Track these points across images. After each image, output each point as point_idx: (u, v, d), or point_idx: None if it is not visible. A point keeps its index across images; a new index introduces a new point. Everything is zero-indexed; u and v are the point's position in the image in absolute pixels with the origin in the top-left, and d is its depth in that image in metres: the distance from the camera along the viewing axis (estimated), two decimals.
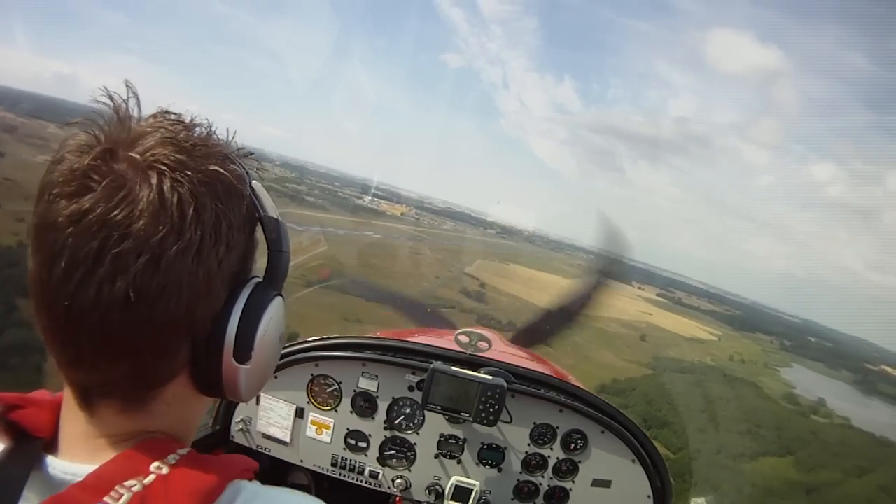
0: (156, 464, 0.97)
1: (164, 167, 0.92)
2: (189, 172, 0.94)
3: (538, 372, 2.93)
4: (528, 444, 2.85)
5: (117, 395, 0.99)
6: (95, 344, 0.92)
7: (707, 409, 44.63)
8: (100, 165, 0.91)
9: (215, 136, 1.06)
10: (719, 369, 59.67)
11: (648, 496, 2.88)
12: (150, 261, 0.89)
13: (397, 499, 2.95)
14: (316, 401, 2.84)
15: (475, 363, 2.80)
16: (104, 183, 0.89)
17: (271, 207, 1.12)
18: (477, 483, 2.78)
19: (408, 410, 2.84)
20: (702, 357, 62.48)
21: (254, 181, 1.09)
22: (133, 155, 0.92)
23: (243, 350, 1.05)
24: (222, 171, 0.99)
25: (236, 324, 1.03)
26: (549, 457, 2.86)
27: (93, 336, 0.92)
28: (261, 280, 1.11)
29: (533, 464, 2.87)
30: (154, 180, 0.91)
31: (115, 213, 0.88)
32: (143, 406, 1.01)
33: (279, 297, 1.13)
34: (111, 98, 1.00)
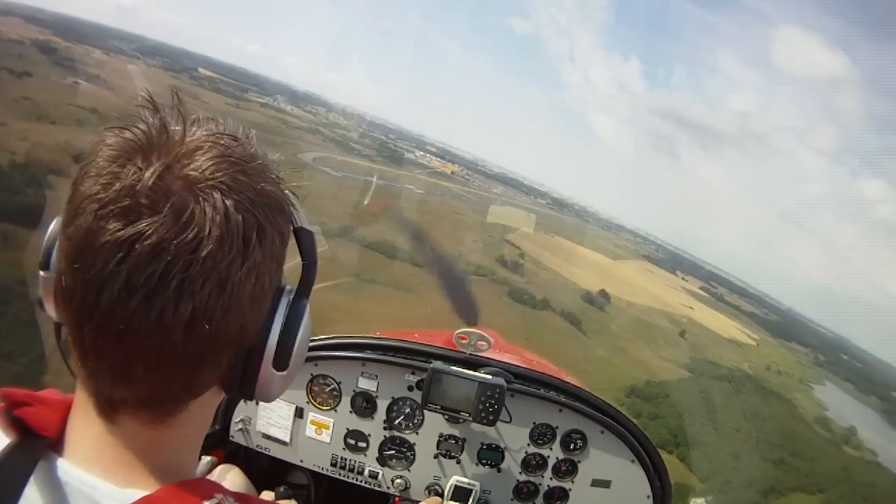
0: None
1: (224, 187, 0.92)
2: (249, 193, 0.94)
3: (538, 372, 2.92)
4: (528, 444, 2.85)
5: (152, 408, 1.00)
6: (150, 365, 0.92)
7: (741, 429, 43.42)
8: (157, 184, 0.88)
9: (257, 147, 1.06)
10: (756, 380, 58.59)
11: (648, 496, 2.87)
12: (216, 285, 0.90)
13: (396, 499, 2.96)
14: (315, 401, 2.84)
15: (475, 363, 2.80)
16: (168, 204, 0.87)
17: (304, 218, 1.14)
18: (476, 483, 2.80)
19: (407, 410, 2.83)
20: (739, 363, 61.52)
21: (286, 191, 1.08)
22: (192, 174, 0.91)
23: (282, 359, 1.09)
24: (275, 190, 1.01)
25: (277, 334, 1.07)
26: (548, 457, 2.86)
27: (148, 357, 0.91)
28: (292, 288, 1.14)
29: (532, 464, 2.87)
30: (217, 202, 0.90)
31: (181, 237, 0.87)
32: (170, 417, 1.01)
33: (308, 305, 1.15)
34: (152, 103, 0.99)
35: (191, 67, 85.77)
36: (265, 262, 0.96)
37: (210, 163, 0.92)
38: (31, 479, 0.92)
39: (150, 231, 0.85)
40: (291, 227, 1.08)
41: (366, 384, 2.79)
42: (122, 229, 0.85)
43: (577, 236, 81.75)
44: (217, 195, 0.90)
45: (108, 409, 0.97)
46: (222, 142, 0.96)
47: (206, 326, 0.90)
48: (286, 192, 1.05)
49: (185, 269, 0.86)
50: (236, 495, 1.04)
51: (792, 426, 49.67)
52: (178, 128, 0.95)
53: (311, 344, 2.67)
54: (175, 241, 0.86)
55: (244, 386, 1.06)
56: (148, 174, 0.87)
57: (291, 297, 1.09)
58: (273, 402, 2.73)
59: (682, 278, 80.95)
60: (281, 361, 1.07)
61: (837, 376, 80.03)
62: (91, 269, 0.87)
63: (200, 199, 0.89)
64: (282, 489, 2.74)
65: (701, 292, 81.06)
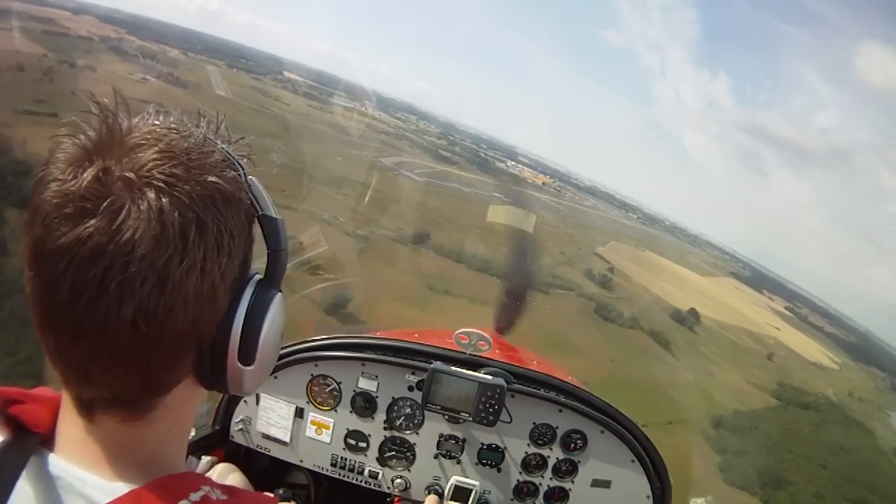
0: None
1: (161, 184, 0.92)
2: (187, 187, 0.94)
3: (538, 372, 2.95)
4: (528, 445, 2.89)
5: (121, 407, 1.02)
6: (104, 366, 0.94)
7: (827, 464, 42.88)
8: (95, 187, 0.90)
9: (210, 137, 1.06)
10: (840, 408, 56.51)
11: (648, 496, 2.90)
12: (155, 284, 0.90)
13: (396, 499, 2.99)
14: (315, 401, 2.89)
15: (475, 363, 2.84)
16: (102, 207, 0.89)
17: (269, 205, 1.13)
18: (476, 483, 2.85)
19: (407, 410, 2.88)
20: (824, 388, 59.30)
21: (251, 178, 1.10)
22: (128, 175, 0.91)
23: (247, 353, 1.09)
24: (220, 181, 0.99)
25: (240, 328, 1.06)
26: (548, 457, 2.90)
27: (101, 358, 0.94)
28: (261, 278, 1.14)
29: (532, 464, 2.91)
30: (152, 200, 0.90)
31: (116, 238, 0.88)
32: (144, 414, 1.04)
33: (279, 295, 1.15)
34: (98, 104, 0.99)
35: (276, 70, 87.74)
36: (210, 257, 0.96)
37: (149, 159, 0.93)
38: (24, 472, 0.96)
39: (87, 235, 0.87)
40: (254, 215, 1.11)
41: (366, 384, 2.85)
42: (64, 236, 0.88)
43: (667, 252, 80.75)
44: (152, 193, 0.91)
45: (83, 408, 1.02)
46: (162, 135, 0.98)
47: (150, 326, 0.92)
48: (243, 180, 1.07)
49: (123, 270, 0.88)
50: (224, 487, 1.09)
51: (873, 459, 48.41)
52: (123, 122, 0.98)
53: (311, 344, 2.81)
54: (111, 244, 0.88)
55: (213, 381, 1.10)
56: (85, 177, 0.90)
57: (256, 288, 1.11)
58: (273, 403, 2.87)
59: (769, 297, 78.69)
60: (246, 355, 1.09)
61: None
62: (42, 275, 0.91)
63: (136, 197, 0.90)
64: (280, 491, 2.85)
65: (786, 312, 78.72)
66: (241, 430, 2.91)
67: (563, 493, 2.93)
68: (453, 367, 2.75)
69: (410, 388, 2.84)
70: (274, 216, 1.14)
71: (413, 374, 2.82)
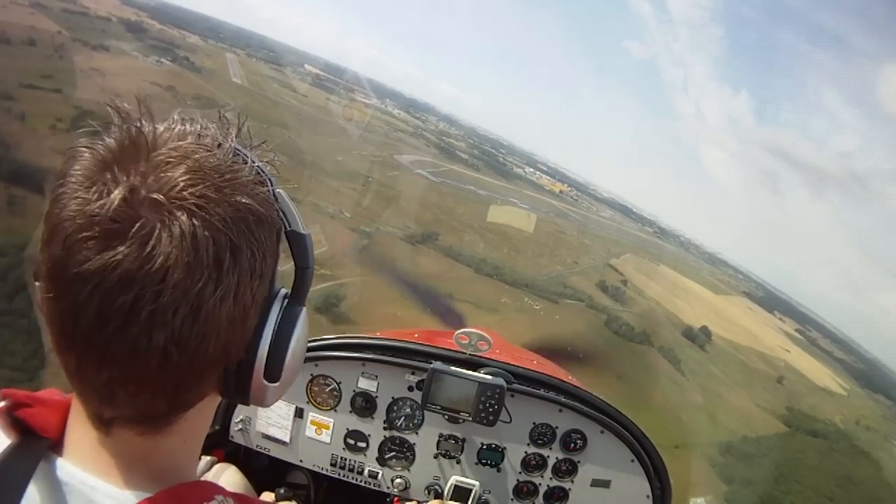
0: None
1: (192, 206, 0.88)
2: (219, 210, 0.91)
3: (538, 372, 2.99)
4: (528, 444, 2.92)
5: (142, 423, 1.00)
6: (131, 391, 0.93)
7: (835, 497, 42.59)
8: (122, 209, 0.86)
9: (238, 149, 1.02)
10: (847, 436, 55.96)
11: (648, 496, 2.94)
12: (189, 313, 0.88)
13: (395, 499, 3.02)
14: (315, 401, 2.91)
15: (475, 363, 2.87)
16: (132, 232, 0.85)
17: (297, 220, 1.12)
18: (476, 483, 2.86)
19: (407, 410, 2.91)
20: (832, 415, 58.63)
21: (279, 191, 1.07)
22: (156, 196, 0.87)
23: (274, 370, 1.09)
24: (252, 202, 0.96)
25: (267, 347, 1.06)
26: (548, 457, 2.93)
27: (128, 383, 0.92)
28: (287, 293, 1.13)
29: (532, 464, 2.94)
30: (185, 224, 0.87)
31: (147, 266, 0.85)
32: (164, 428, 1.02)
33: (304, 311, 1.15)
34: (119, 113, 0.96)
35: (296, 63, 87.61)
36: (244, 282, 0.95)
37: (178, 179, 0.89)
38: (32, 478, 0.94)
39: (116, 262, 0.84)
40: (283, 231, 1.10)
41: (366, 384, 2.88)
42: (89, 260, 0.85)
43: (681, 267, 79.68)
44: (184, 217, 0.87)
45: (101, 423, 1.00)
46: (192, 154, 0.94)
47: (182, 353, 0.90)
48: (274, 193, 1.05)
49: (154, 299, 0.85)
50: (236, 496, 1.08)
51: (879, 493, 48.44)
52: (147, 134, 0.94)
53: (312, 344, 2.81)
54: (142, 271, 0.85)
55: (237, 395, 1.10)
56: (112, 199, 0.86)
57: (284, 304, 1.11)
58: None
59: (780, 319, 77.98)
60: (272, 373, 1.09)
61: None
62: (63, 299, 0.88)
63: (167, 221, 0.87)
64: (282, 490, 2.85)
65: (797, 335, 77.65)
66: (240, 430, 2.92)
67: (563, 493, 2.97)
68: (453, 367, 2.77)
69: (410, 388, 2.87)
70: (303, 232, 1.13)
71: (413, 374, 2.85)
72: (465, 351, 2.85)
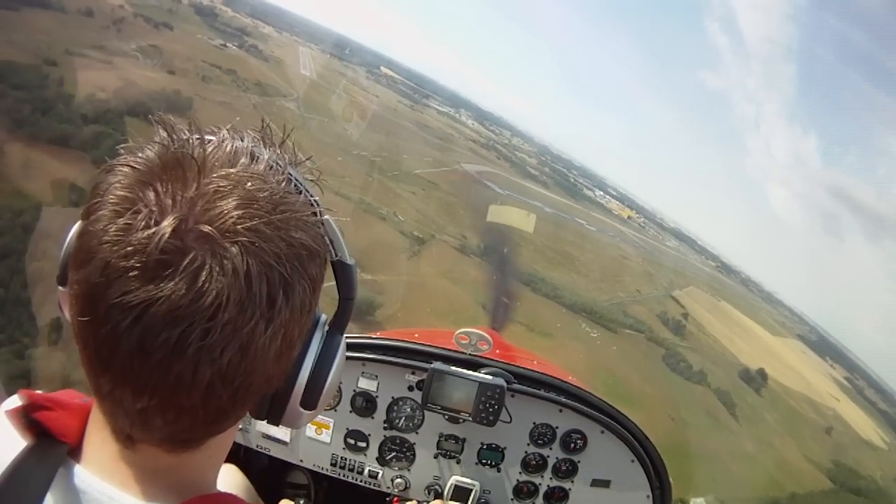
0: None
1: (245, 241, 0.86)
2: (272, 246, 0.89)
3: (538, 372, 2.98)
4: (528, 445, 2.92)
5: (173, 444, 1.00)
6: (169, 419, 0.92)
7: None
8: (170, 241, 0.83)
9: (290, 173, 1.00)
10: (886, 494, 55.18)
11: (648, 496, 2.94)
12: (238, 351, 0.87)
13: (395, 499, 3.02)
14: None
15: (475, 363, 2.88)
16: (181, 267, 0.83)
17: (343, 249, 1.13)
18: (476, 483, 2.88)
19: (407, 410, 2.91)
20: (874, 471, 57.08)
21: (327, 218, 1.06)
22: (206, 229, 0.85)
23: (311, 399, 1.11)
24: (306, 237, 0.95)
25: (307, 377, 1.08)
26: (548, 457, 2.93)
27: (166, 412, 0.91)
28: (327, 318, 1.16)
29: (532, 464, 2.94)
30: (237, 260, 0.85)
31: (196, 303, 0.83)
32: (194, 447, 1.02)
33: (343, 340, 1.17)
34: (169, 133, 0.95)
35: (372, 64, 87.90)
36: (294, 318, 0.94)
37: (230, 212, 0.86)
38: (52, 487, 0.93)
39: (163, 296, 0.82)
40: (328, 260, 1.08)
41: (366, 384, 2.86)
42: (132, 293, 0.82)
43: (742, 305, 78.21)
44: (237, 252, 0.85)
45: (128, 441, 0.98)
46: (243, 181, 0.91)
47: (227, 387, 0.89)
48: (322, 222, 1.03)
49: (202, 336, 0.84)
50: None
51: None
52: (196, 156, 0.90)
53: None
54: (191, 308, 0.83)
55: (270, 418, 1.12)
56: (161, 230, 0.83)
57: (325, 332, 1.11)
58: None
59: (831, 365, 76.64)
60: (310, 401, 1.10)
61: None
62: (102, 326, 0.85)
63: (219, 256, 0.84)
64: (300, 501, 2.86)
65: (845, 383, 75.99)
66: (241, 429, 2.90)
67: (563, 493, 2.97)
68: (453, 367, 2.78)
69: (410, 388, 2.88)
70: (349, 262, 1.15)
71: (413, 374, 2.86)
72: (465, 351, 2.87)
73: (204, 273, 0.83)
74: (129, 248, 0.83)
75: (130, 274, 0.83)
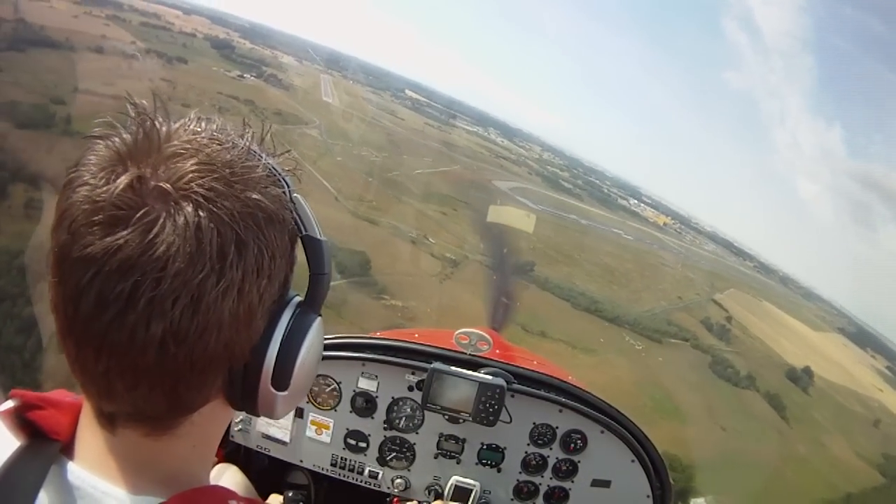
0: None
1: (199, 198, 0.89)
2: (227, 204, 0.91)
3: (538, 372, 2.97)
4: (528, 445, 2.92)
5: (144, 423, 1.01)
6: (128, 383, 0.93)
7: None
8: (128, 196, 0.87)
9: (254, 149, 1.03)
10: None
11: (648, 496, 2.94)
12: (188, 304, 0.88)
13: (395, 499, 3.02)
14: (315, 401, 2.90)
15: (475, 363, 2.86)
16: (134, 218, 0.86)
17: (314, 225, 1.12)
18: (476, 483, 2.87)
19: (407, 410, 2.90)
20: None
21: (296, 196, 1.08)
22: (164, 185, 0.88)
23: (282, 378, 1.08)
24: (263, 199, 0.97)
25: (275, 353, 1.05)
26: (548, 457, 2.93)
27: (125, 374, 0.92)
28: (301, 300, 1.14)
29: (532, 464, 2.94)
30: (189, 215, 0.88)
31: (148, 253, 0.85)
32: (169, 430, 1.03)
33: (319, 319, 1.15)
34: (135, 106, 0.98)
35: (397, 87, 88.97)
36: (249, 279, 0.93)
37: (187, 171, 0.89)
38: (45, 484, 0.94)
39: (117, 246, 0.84)
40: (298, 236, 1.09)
41: (366, 384, 2.86)
42: (92, 245, 0.85)
43: (782, 303, 77.98)
44: (189, 207, 0.87)
45: (105, 420, 1.00)
46: (204, 145, 0.94)
47: (180, 346, 0.89)
48: (291, 197, 1.05)
49: (153, 286, 0.85)
50: (248, 501, 1.08)
51: None
52: (163, 129, 0.94)
53: None
54: (143, 257, 0.84)
55: (244, 402, 1.08)
56: (118, 184, 0.87)
57: (297, 311, 1.09)
58: None
59: (872, 356, 75.68)
60: (280, 380, 1.06)
61: None
62: (67, 283, 0.88)
63: (171, 211, 0.87)
64: (290, 493, 2.81)
65: (888, 372, 74.55)
66: (241, 430, 2.92)
67: (564, 493, 2.96)
68: (453, 368, 2.77)
69: (410, 388, 2.87)
70: (318, 238, 1.13)
71: (413, 374, 2.85)
72: (465, 351, 2.85)
73: (157, 226, 0.86)
74: (90, 206, 0.87)
75: (91, 228, 0.86)
